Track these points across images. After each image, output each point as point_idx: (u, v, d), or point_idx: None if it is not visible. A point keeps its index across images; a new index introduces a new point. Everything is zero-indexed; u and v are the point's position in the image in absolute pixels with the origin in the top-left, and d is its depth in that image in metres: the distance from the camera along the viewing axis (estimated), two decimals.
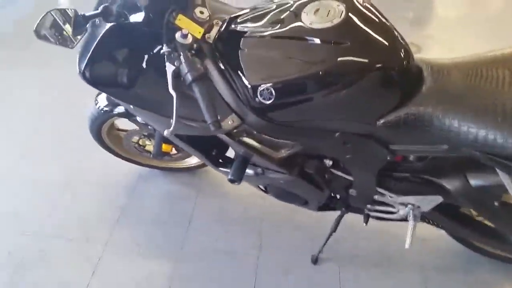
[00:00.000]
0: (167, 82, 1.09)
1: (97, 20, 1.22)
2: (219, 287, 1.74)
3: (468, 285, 1.70)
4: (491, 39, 2.96)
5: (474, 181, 1.25)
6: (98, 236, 1.95)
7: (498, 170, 1.11)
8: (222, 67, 1.16)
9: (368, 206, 1.51)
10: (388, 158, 1.22)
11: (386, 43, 1.07)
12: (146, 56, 1.25)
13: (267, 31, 1.14)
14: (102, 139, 1.94)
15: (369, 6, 1.13)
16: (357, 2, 1.12)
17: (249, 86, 1.11)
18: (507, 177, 1.10)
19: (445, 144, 1.12)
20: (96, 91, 1.56)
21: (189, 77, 1.05)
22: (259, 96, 1.11)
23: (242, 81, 1.13)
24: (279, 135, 1.26)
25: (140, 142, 1.96)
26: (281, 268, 1.78)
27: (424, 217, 1.50)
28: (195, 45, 1.13)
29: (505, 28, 3.15)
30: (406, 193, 1.37)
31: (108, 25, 1.19)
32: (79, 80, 1.27)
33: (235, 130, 1.22)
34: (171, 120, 1.09)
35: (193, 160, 2.09)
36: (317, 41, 1.06)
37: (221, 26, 1.19)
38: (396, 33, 1.12)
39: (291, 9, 1.15)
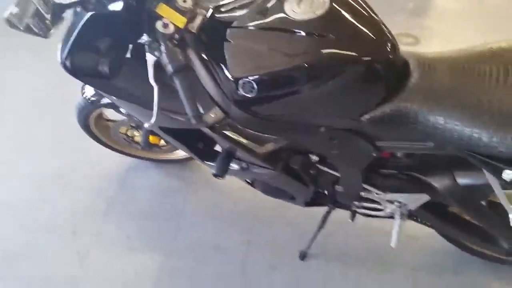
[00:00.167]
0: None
1: (78, 8, 1.19)
2: (206, 281, 1.73)
3: (456, 285, 1.68)
4: (491, 32, 2.91)
5: (461, 180, 1.22)
6: (87, 228, 1.94)
7: (484, 170, 1.08)
8: (205, 58, 1.13)
9: (355, 202, 1.49)
10: (374, 154, 1.19)
11: (371, 36, 1.04)
12: (128, 47, 1.22)
13: (250, 21, 1.11)
14: (90, 130, 1.92)
15: None
16: None
17: (231, 79, 1.08)
18: (493, 177, 1.07)
19: (431, 141, 1.09)
20: None
21: (170, 69, 1.02)
22: (241, 89, 1.08)
23: (224, 73, 1.10)
24: (263, 130, 1.23)
25: (128, 133, 1.94)
26: (268, 263, 1.77)
27: (412, 215, 1.48)
28: (177, 35, 1.09)
29: (505, 21, 3.09)
30: (392, 190, 1.35)
31: (89, 13, 1.16)
32: None
33: (217, 124, 1.19)
34: (151, 112, 1.07)
35: (183, 152, 2.06)
36: (300, 33, 1.03)
37: (204, 16, 1.16)
38: (382, 26, 1.08)
39: None
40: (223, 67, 1.10)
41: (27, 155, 2.30)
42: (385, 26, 1.09)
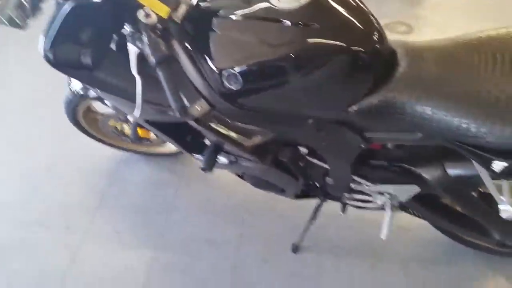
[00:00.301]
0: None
1: None
2: (198, 276, 1.71)
3: (449, 277, 1.67)
4: (486, 22, 2.87)
5: (451, 171, 1.21)
6: (78, 223, 1.92)
7: (472, 161, 1.07)
8: (190, 49, 1.11)
9: (346, 194, 1.47)
10: (362, 146, 1.18)
11: (357, 25, 1.02)
12: (111, 37, 1.20)
13: (234, 11, 1.09)
14: (78, 123, 1.90)
15: None
16: None
17: (215, 71, 1.06)
18: (482, 168, 1.06)
19: (419, 132, 1.08)
20: None
21: (152, 60, 1.00)
22: (225, 81, 1.06)
23: (209, 64, 1.08)
24: (250, 122, 1.21)
25: (118, 126, 1.92)
26: (261, 256, 1.75)
27: (403, 207, 1.47)
28: (159, 25, 1.07)
29: (501, 12, 3.07)
30: (382, 182, 1.34)
31: (71, 3, 1.14)
32: None
33: (203, 117, 1.17)
34: (135, 105, 1.05)
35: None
36: (284, 22, 1.01)
37: (189, 5, 1.13)
38: (369, 15, 1.06)
39: None
40: (208, 58, 1.08)
41: (19, 149, 2.27)
42: (373, 16, 1.07)
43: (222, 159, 1.40)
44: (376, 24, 1.06)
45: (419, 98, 1.00)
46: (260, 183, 1.54)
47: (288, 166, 1.36)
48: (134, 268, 1.74)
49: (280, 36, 1.02)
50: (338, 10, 1.03)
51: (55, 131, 2.31)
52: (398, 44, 1.11)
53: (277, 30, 1.02)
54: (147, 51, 1.00)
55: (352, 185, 1.39)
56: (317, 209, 1.61)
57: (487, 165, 1.02)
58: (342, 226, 1.81)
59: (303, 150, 1.31)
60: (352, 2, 1.06)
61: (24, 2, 1.07)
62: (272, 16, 1.02)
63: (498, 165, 1.01)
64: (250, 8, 1.06)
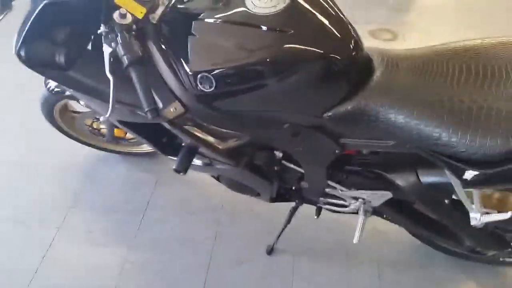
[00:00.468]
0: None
1: None
2: (170, 277, 1.70)
3: (422, 281, 1.68)
4: (472, 29, 2.92)
5: (425, 178, 1.22)
6: (51, 220, 1.90)
7: (445, 169, 1.08)
8: (166, 50, 1.09)
9: (321, 198, 1.48)
10: (337, 151, 1.18)
11: (333, 33, 1.02)
12: (86, 37, 1.18)
13: (211, 14, 1.08)
14: (55, 121, 1.86)
15: None
16: None
17: (190, 73, 1.05)
18: (453, 176, 1.07)
19: (392, 139, 1.09)
20: None
21: (125, 60, 0.98)
22: (199, 83, 1.05)
23: (184, 67, 1.07)
24: (225, 125, 1.20)
25: (94, 125, 1.89)
26: (235, 258, 1.75)
27: (377, 212, 1.47)
28: (135, 26, 1.05)
29: (487, 19, 3.11)
30: (356, 187, 1.35)
31: (45, 1, 1.11)
32: None
33: (177, 119, 1.16)
34: (108, 105, 1.03)
35: None
36: (259, 27, 1.01)
37: (166, 6, 1.12)
38: (345, 22, 1.07)
39: None
40: (182, 60, 1.07)
41: None
42: (350, 24, 1.07)
43: (196, 161, 1.39)
44: (353, 33, 1.06)
45: (392, 106, 1.01)
46: (235, 185, 1.53)
47: (263, 170, 1.36)
48: (107, 267, 1.72)
49: (255, 40, 1.01)
50: (315, 17, 1.03)
51: (31, 128, 2.27)
52: (375, 51, 1.12)
53: (252, 34, 1.02)
54: (120, 51, 0.99)
55: (327, 190, 1.40)
56: (292, 212, 1.61)
57: (458, 174, 1.03)
58: (318, 228, 1.82)
59: (278, 154, 1.31)
60: (330, 10, 1.06)
61: None
62: (247, 21, 1.02)
63: (469, 174, 1.02)
64: (227, 12, 1.05)
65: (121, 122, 1.35)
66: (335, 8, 1.08)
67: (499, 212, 1.22)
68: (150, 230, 1.86)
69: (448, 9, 3.28)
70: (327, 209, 1.55)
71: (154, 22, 1.09)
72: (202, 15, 1.08)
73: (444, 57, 1.06)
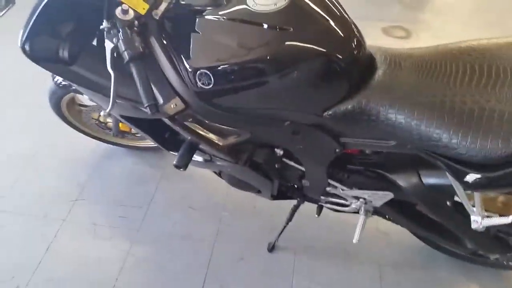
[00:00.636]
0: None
1: None
2: (172, 271, 1.71)
3: (423, 282, 1.67)
4: (488, 28, 2.87)
5: (427, 179, 1.20)
6: (56, 213, 1.92)
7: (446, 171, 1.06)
8: (167, 46, 1.10)
9: (323, 197, 1.47)
10: (338, 150, 1.17)
11: (335, 31, 1.01)
12: (90, 33, 1.19)
13: (213, 11, 1.08)
14: (62, 114, 1.88)
15: None
16: None
17: (189, 69, 1.06)
18: (453, 178, 1.05)
19: (393, 140, 1.07)
20: None
21: (125, 56, 0.99)
22: (198, 80, 1.05)
23: (184, 63, 1.07)
24: (225, 122, 1.20)
25: (101, 119, 1.91)
26: (236, 255, 1.75)
27: (379, 212, 1.46)
28: (136, 22, 1.06)
29: (504, 18, 3.06)
30: (357, 187, 1.33)
31: None
32: None
33: (178, 115, 1.16)
34: (109, 100, 1.04)
35: None
36: (259, 25, 1.00)
37: (170, 3, 1.12)
38: (348, 20, 1.06)
39: None
40: (183, 56, 1.07)
41: (1, 137, 2.26)
42: (354, 23, 1.06)
43: (197, 157, 1.40)
44: (355, 31, 1.05)
45: (392, 105, 1.00)
46: (236, 182, 1.53)
47: (263, 167, 1.35)
48: (108, 261, 1.74)
49: (255, 38, 1.01)
50: (316, 15, 1.02)
51: (39, 120, 2.30)
52: (377, 50, 1.11)
53: (252, 32, 1.01)
54: (122, 47, 1.00)
55: (328, 189, 1.39)
56: (294, 210, 1.61)
57: (458, 176, 1.02)
58: (320, 227, 1.81)
59: (279, 152, 1.30)
60: (332, 8, 1.05)
61: None
62: (247, 18, 1.02)
63: (470, 177, 1.00)
64: (227, 9, 1.05)
65: (123, 116, 1.36)
66: (338, 6, 1.07)
67: (500, 215, 1.20)
68: (153, 225, 1.87)
69: (465, 8, 3.23)
70: (328, 208, 1.54)
71: (157, 18, 1.10)
72: (203, 11, 1.08)
73: (448, 56, 1.04)
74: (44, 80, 1.73)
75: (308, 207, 1.59)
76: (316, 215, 1.55)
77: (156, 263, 1.73)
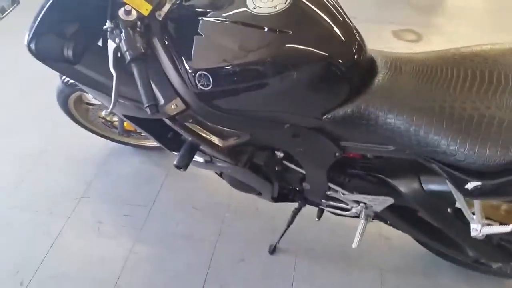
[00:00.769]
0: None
1: None
2: (173, 271, 1.72)
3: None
4: (501, 32, 2.82)
5: (427, 186, 1.19)
6: (62, 210, 1.95)
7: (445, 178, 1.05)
8: (169, 47, 1.11)
9: (323, 201, 1.47)
10: (337, 154, 1.17)
11: (335, 35, 1.01)
12: (94, 33, 1.20)
13: (214, 13, 1.08)
14: (70, 112, 1.91)
15: None
16: None
17: (190, 71, 1.06)
18: (452, 185, 1.04)
19: (391, 145, 1.07)
20: None
21: (127, 56, 1.00)
22: (197, 81, 1.06)
23: (184, 64, 1.08)
24: (225, 124, 1.21)
25: (107, 118, 1.93)
26: (237, 256, 1.75)
27: (379, 217, 1.45)
28: (139, 23, 1.07)
29: None
30: (358, 191, 1.33)
31: None
32: None
33: (179, 116, 1.17)
34: (111, 99, 1.06)
35: None
36: (258, 27, 1.00)
37: (173, 4, 1.13)
38: (349, 24, 1.05)
39: None
40: (184, 57, 1.08)
41: (10, 134, 2.30)
42: (355, 28, 1.06)
43: (198, 158, 1.40)
44: (356, 35, 1.05)
45: (391, 110, 0.99)
46: (237, 184, 1.53)
47: (263, 169, 1.35)
48: (111, 259, 1.75)
49: (254, 40, 1.01)
50: (317, 18, 1.02)
51: (47, 118, 2.32)
52: (379, 54, 1.10)
53: (251, 34, 1.02)
54: (123, 47, 1.01)
55: (329, 193, 1.38)
56: (295, 212, 1.61)
57: (457, 183, 1.01)
58: (321, 230, 1.81)
59: (279, 154, 1.31)
60: (333, 11, 1.04)
61: None
62: (247, 21, 1.02)
63: (469, 185, 0.99)
64: (228, 11, 1.06)
65: (126, 116, 1.37)
66: (339, 9, 1.06)
67: (501, 224, 1.19)
68: (156, 224, 1.88)
69: (478, 12, 3.19)
70: (329, 211, 1.54)
71: (160, 19, 1.11)
72: (205, 13, 1.09)
73: (450, 61, 1.03)
74: (51, 79, 1.75)
75: (310, 210, 1.59)
76: (317, 219, 1.54)
77: (158, 262, 1.74)
